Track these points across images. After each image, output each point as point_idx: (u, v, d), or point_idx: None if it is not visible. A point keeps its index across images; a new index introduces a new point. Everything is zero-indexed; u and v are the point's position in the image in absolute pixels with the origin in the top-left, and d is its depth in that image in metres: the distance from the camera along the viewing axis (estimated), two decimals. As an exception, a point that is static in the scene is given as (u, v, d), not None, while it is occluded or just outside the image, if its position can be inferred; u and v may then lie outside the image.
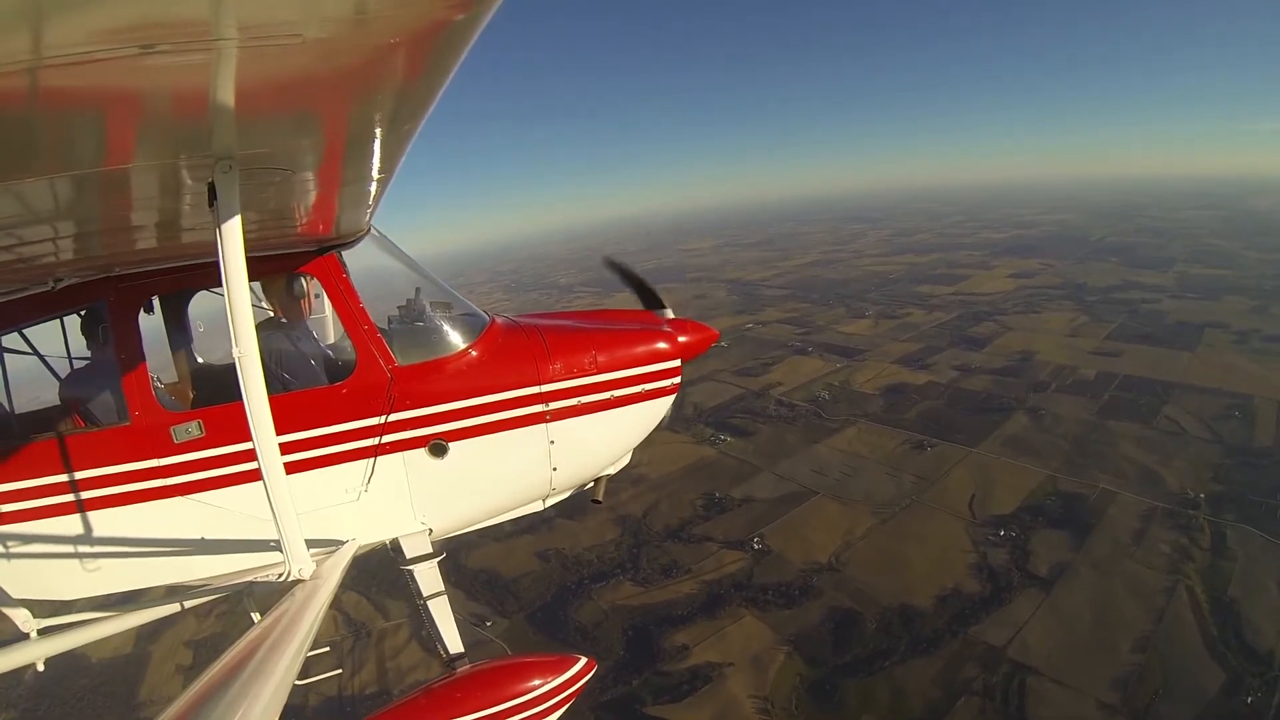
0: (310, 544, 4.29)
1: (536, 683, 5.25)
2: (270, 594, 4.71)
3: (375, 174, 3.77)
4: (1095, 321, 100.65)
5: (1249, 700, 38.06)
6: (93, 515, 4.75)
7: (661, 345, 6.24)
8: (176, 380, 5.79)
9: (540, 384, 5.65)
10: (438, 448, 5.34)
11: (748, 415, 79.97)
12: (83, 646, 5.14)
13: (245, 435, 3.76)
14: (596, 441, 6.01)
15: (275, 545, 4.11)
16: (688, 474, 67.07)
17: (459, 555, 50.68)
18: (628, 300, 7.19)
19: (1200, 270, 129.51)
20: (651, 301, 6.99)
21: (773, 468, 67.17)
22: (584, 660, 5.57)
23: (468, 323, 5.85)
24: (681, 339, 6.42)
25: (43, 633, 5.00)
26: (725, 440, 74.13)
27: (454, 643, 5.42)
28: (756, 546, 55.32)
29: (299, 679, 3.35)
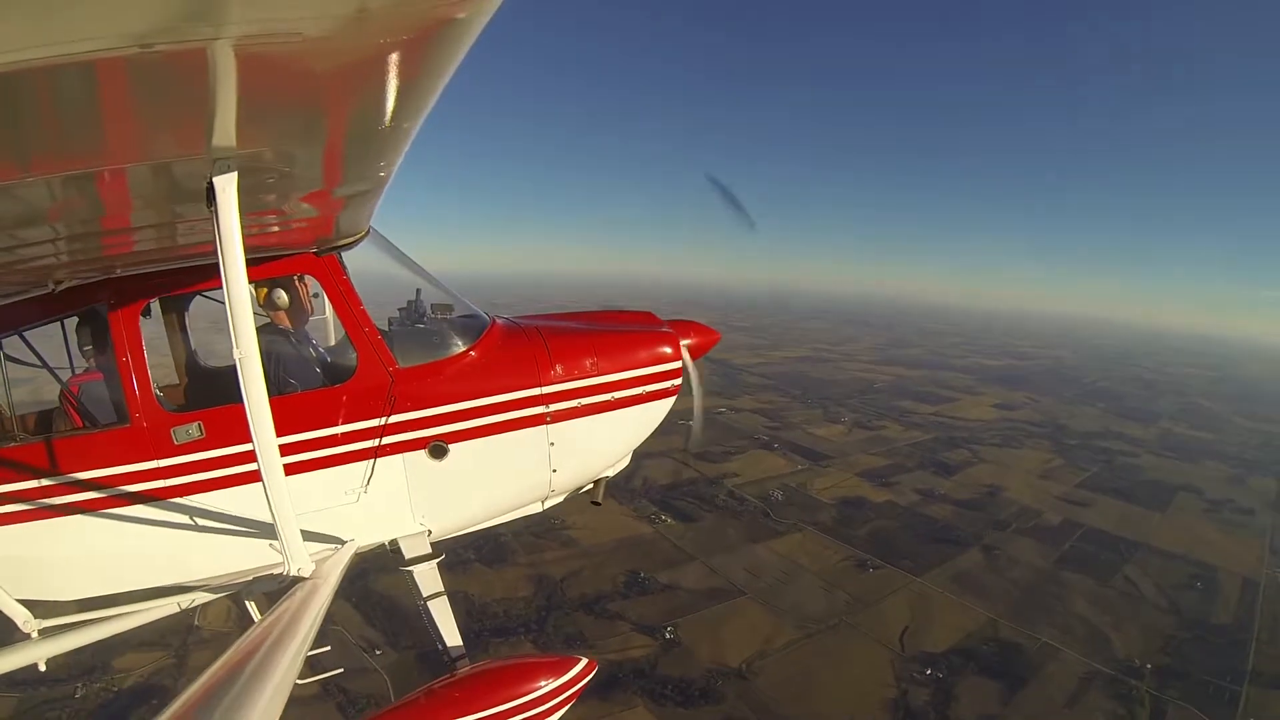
0: (310, 544, 4.39)
1: (537, 683, 5.23)
2: (270, 594, 4.79)
3: (375, 174, 3.74)
4: (1070, 466, 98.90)
5: None
6: (93, 516, 4.74)
7: (662, 347, 6.23)
8: (177, 382, 5.78)
9: (541, 386, 5.64)
10: (438, 449, 5.33)
11: (695, 500, 76.72)
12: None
13: (245, 437, 3.78)
14: (596, 443, 5.99)
15: (275, 545, 4.17)
16: (619, 547, 63.76)
17: (367, 576, 48.57)
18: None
19: (1184, 429, 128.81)
20: None
21: (707, 558, 64.09)
22: (584, 661, 5.55)
23: (468, 324, 5.87)
24: (683, 341, 6.40)
25: (43, 633, 5.01)
26: (665, 521, 70.97)
27: (454, 643, 5.43)
28: (668, 636, 52.34)
29: (299, 679, 3.28)
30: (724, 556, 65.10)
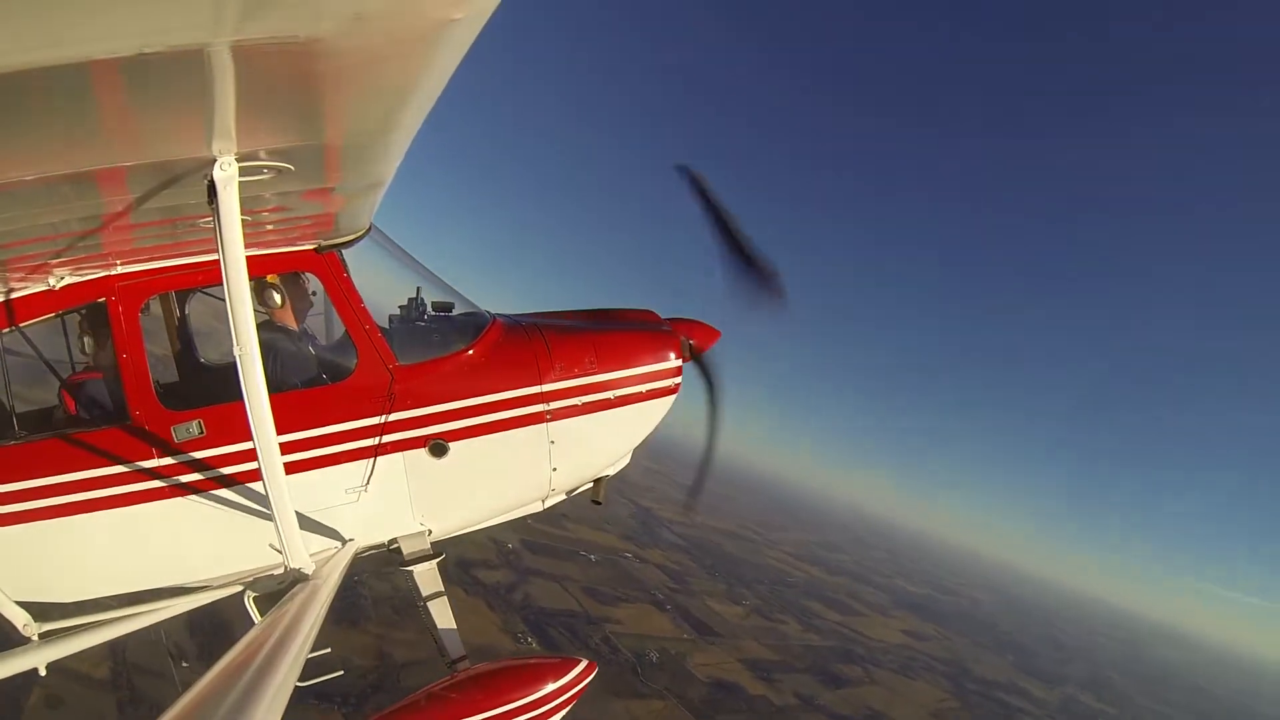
0: (310, 544, 4.46)
1: (538, 685, 5.26)
2: (270, 594, 4.87)
3: (376, 173, 3.73)
4: (964, 710, 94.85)
5: None
6: (93, 516, 4.68)
7: (663, 346, 6.14)
8: (177, 379, 5.70)
9: (541, 384, 5.60)
10: (438, 447, 5.29)
11: (568, 633, 71.36)
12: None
13: (246, 435, 3.80)
14: (597, 442, 5.94)
15: (275, 545, 4.13)
16: (472, 653, 57.51)
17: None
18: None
19: (1087, 699, 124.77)
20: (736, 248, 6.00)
21: (555, 697, 57.96)
22: (585, 663, 5.59)
23: (469, 322, 5.85)
24: (684, 340, 6.29)
25: (44, 636, 4.95)
26: (530, 643, 65.29)
27: (455, 644, 5.47)
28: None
29: (300, 680, 3.22)
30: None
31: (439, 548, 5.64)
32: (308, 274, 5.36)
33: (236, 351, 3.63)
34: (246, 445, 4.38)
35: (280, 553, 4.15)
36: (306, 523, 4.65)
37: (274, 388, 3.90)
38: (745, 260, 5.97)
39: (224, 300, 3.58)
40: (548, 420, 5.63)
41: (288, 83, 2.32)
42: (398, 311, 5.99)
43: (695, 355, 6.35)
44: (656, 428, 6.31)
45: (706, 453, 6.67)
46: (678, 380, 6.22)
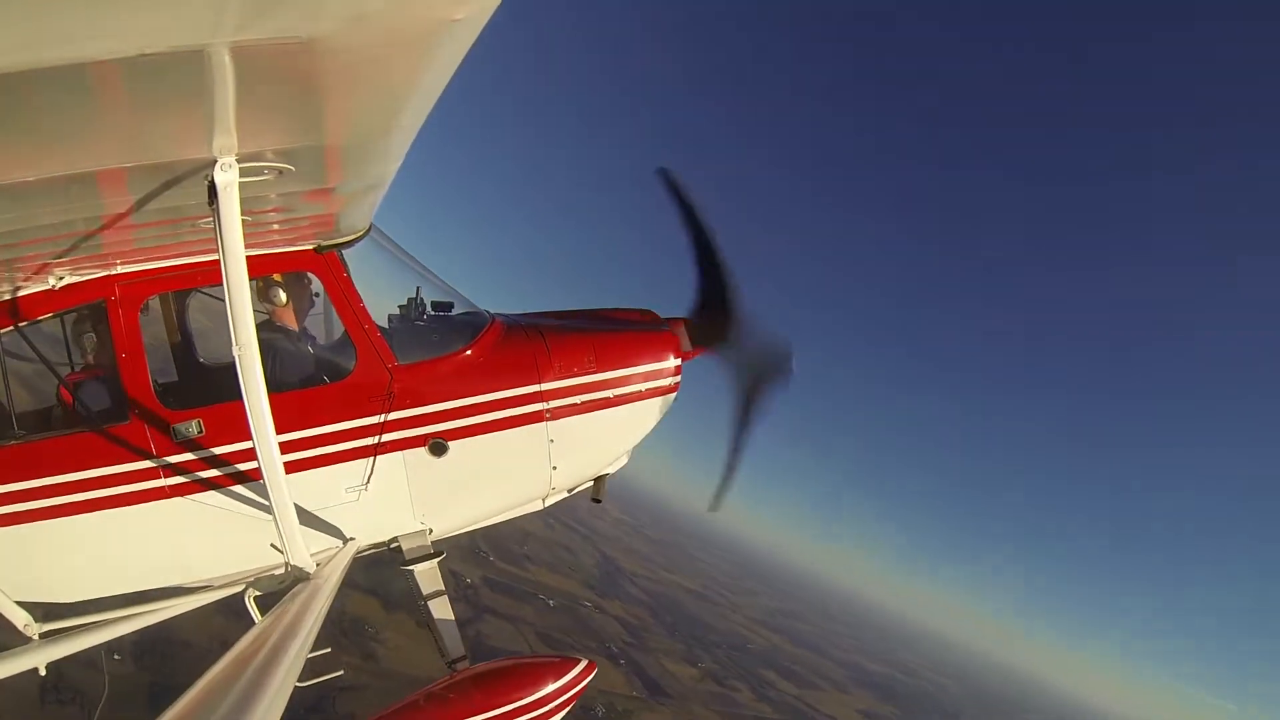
0: (311, 543, 4.39)
1: (538, 684, 5.26)
2: (270, 594, 4.74)
3: (376, 173, 3.75)
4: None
5: None
6: (93, 516, 4.69)
7: (662, 345, 6.12)
8: (177, 379, 5.70)
9: (540, 383, 5.61)
10: (438, 447, 5.30)
11: (515, 679, 69.26)
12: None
13: (246, 434, 3.80)
14: (597, 441, 5.95)
15: (275, 545, 4.12)
16: (414, 685, 56.38)
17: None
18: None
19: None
20: (708, 273, 6.12)
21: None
22: (585, 662, 5.59)
23: (469, 321, 5.84)
24: (683, 340, 6.26)
25: (44, 636, 4.95)
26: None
27: (455, 643, 5.44)
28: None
29: (300, 680, 3.17)
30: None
31: (439, 546, 5.67)
32: (309, 275, 5.38)
33: (236, 351, 3.64)
34: (246, 445, 4.39)
35: (281, 552, 4.14)
36: (307, 522, 4.65)
37: (273, 387, 3.90)
38: (713, 274, 6.11)
39: (224, 300, 3.59)
40: (547, 419, 5.64)
41: (288, 83, 2.34)
42: (397, 311, 6.00)
43: (706, 342, 6.30)
44: (656, 427, 6.32)
45: (737, 442, 6.48)
46: (677, 380, 6.23)
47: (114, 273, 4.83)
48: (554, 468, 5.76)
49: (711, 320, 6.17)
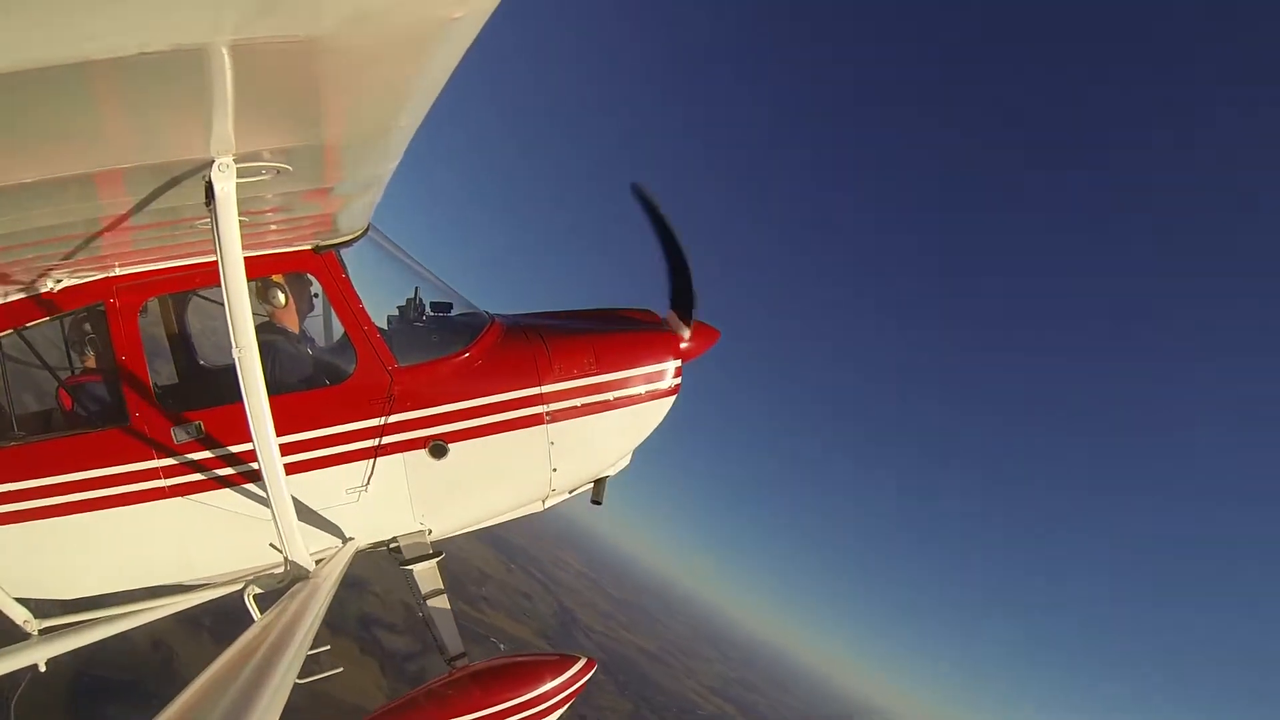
0: (311, 543, 4.40)
1: (537, 683, 5.26)
2: (270, 594, 4.68)
3: (374, 172, 3.76)
4: None
5: None
6: (93, 516, 4.69)
7: (662, 347, 6.08)
8: (177, 381, 5.70)
9: (540, 385, 5.58)
10: (438, 448, 5.28)
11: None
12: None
13: (245, 436, 3.81)
14: (597, 443, 5.91)
15: (275, 545, 4.12)
16: (345, 713, 54.08)
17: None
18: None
19: None
20: (680, 288, 6.13)
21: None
22: (584, 660, 5.59)
23: (468, 323, 5.82)
24: (683, 341, 6.21)
25: (44, 633, 4.97)
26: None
27: (454, 642, 5.43)
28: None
29: (299, 679, 3.20)
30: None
31: (438, 547, 5.68)
32: (308, 276, 5.35)
33: (235, 353, 3.62)
34: (246, 446, 4.40)
35: (280, 551, 4.14)
36: (307, 522, 4.67)
37: (273, 389, 3.90)
38: (681, 289, 6.13)
39: (223, 302, 3.59)
40: (547, 421, 5.60)
41: (287, 82, 2.33)
42: (395, 312, 5.97)
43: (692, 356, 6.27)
44: (656, 428, 6.27)
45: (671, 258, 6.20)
46: (678, 381, 6.17)
47: (112, 275, 4.81)
48: (554, 470, 5.73)
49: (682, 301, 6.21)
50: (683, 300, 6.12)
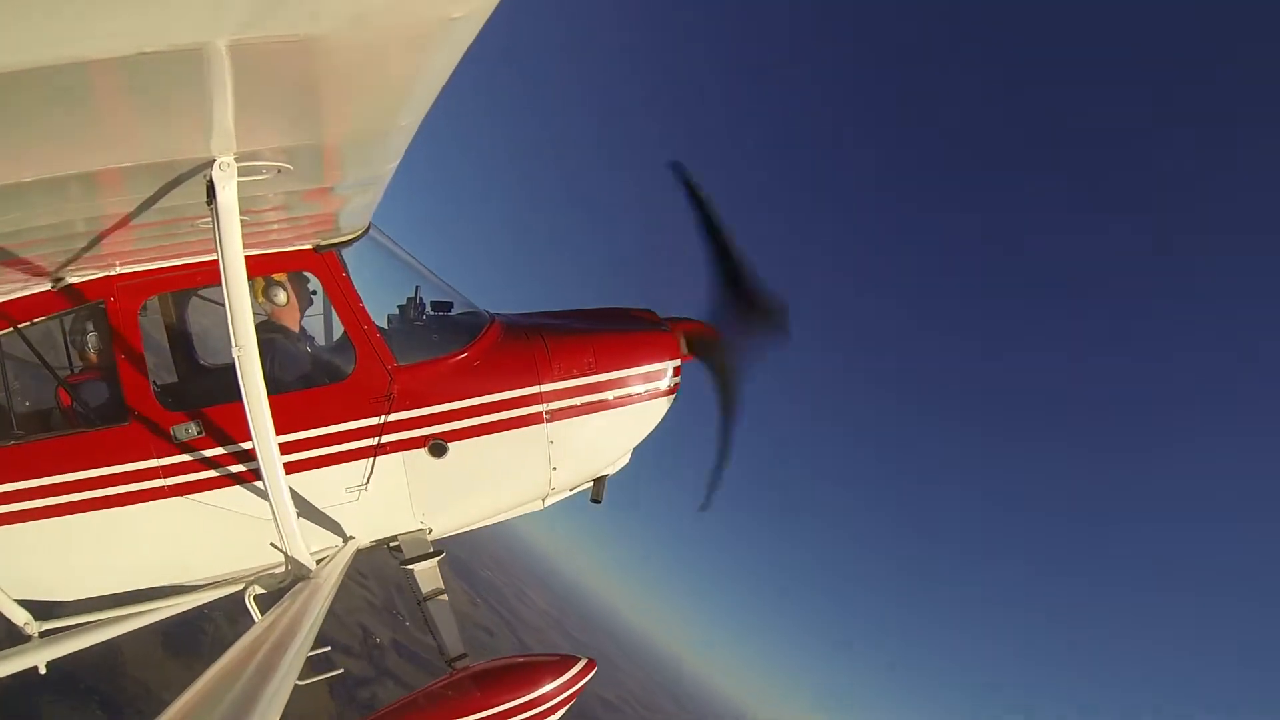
0: (311, 543, 4.35)
1: (538, 684, 5.27)
2: (270, 594, 4.76)
3: (375, 172, 3.77)
4: None
5: None
6: (93, 516, 4.68)
7: (663, 346, 6.10)
8: (176, 380, 5.69)
9: (540, 384, 5.59)
10: (437, 447, 5.29)
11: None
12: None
13: (245, 435, 3.86)
14: (597, 442, 5.92)
15: (275, 545, 4.11)
16: None
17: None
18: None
19: None
20: (729, 270, 5.95)
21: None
22: (584, 661, 5.61)
23: (468, 322, 5.83)
24: (683, 339, 6.26)
25: (44, 635, 4.97)
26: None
27: (454, 642, 5.43)
28: None
29: (299, 680, 3.16)
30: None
31: (439, 546, 5.71)
32: (308, 275, 5.38)
33: (235, 352, 3.63)
34: (246, 445, 4.42)
35: (281, 551, 4.15)
36: (307, 522, 4.68)
37: (273, 388, 3.90)
38: (736, 283, 5.99)
39: (223, 301, 3.59)
40: (547, 420, 5.62)
41: (287, 82, 2.34)
42: (395, 311, 5.99)
43: (697, 351, 6.30)
44: (656, 428, 6.29)
45: (724, 440, 6.37)
46: (677, 380, 6.21)
47: (113, 274, 4.82)
48: (554, 469, 5.74)
49: (740, 317, 6.08)
50: (736, 289, 5.96)
